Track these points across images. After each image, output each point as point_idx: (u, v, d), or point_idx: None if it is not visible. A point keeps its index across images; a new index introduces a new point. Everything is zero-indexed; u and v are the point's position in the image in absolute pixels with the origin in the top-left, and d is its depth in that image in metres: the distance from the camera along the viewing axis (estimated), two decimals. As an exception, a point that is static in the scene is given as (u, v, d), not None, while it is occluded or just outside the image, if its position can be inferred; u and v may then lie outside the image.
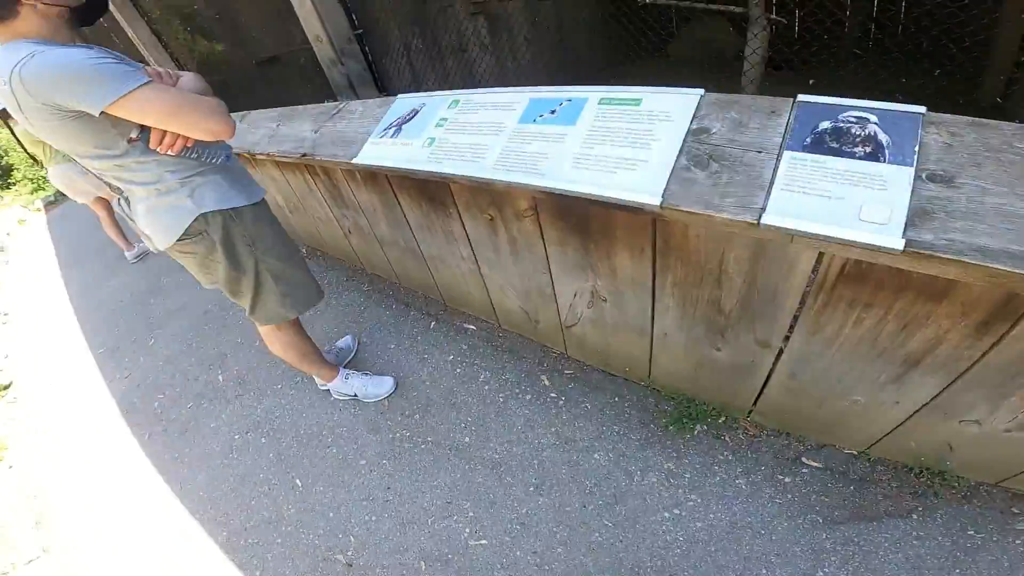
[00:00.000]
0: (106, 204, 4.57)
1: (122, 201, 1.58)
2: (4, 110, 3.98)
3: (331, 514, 1.94)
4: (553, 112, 1.41)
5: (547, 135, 1.37)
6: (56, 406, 3.23)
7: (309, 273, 1.86)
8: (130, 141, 1.32)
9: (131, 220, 1.60)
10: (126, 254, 4.77)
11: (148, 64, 2.96)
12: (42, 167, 4.35)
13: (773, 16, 3.01)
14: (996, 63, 2.48)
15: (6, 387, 3.72)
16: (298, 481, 2.10)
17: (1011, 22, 2.31)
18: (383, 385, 2.27)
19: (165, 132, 1.31)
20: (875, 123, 1.03)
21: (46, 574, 2.18)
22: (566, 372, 2.10)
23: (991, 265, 0.83)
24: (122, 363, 3.32)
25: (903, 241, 0.89)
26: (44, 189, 9.45)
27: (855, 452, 1.57)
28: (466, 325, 2.51)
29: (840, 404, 1.40)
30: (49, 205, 8.54)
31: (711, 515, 1.57)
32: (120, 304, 4.08)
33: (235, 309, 3.35)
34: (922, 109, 1.01)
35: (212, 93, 1.39)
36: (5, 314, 5.06)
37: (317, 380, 2.36)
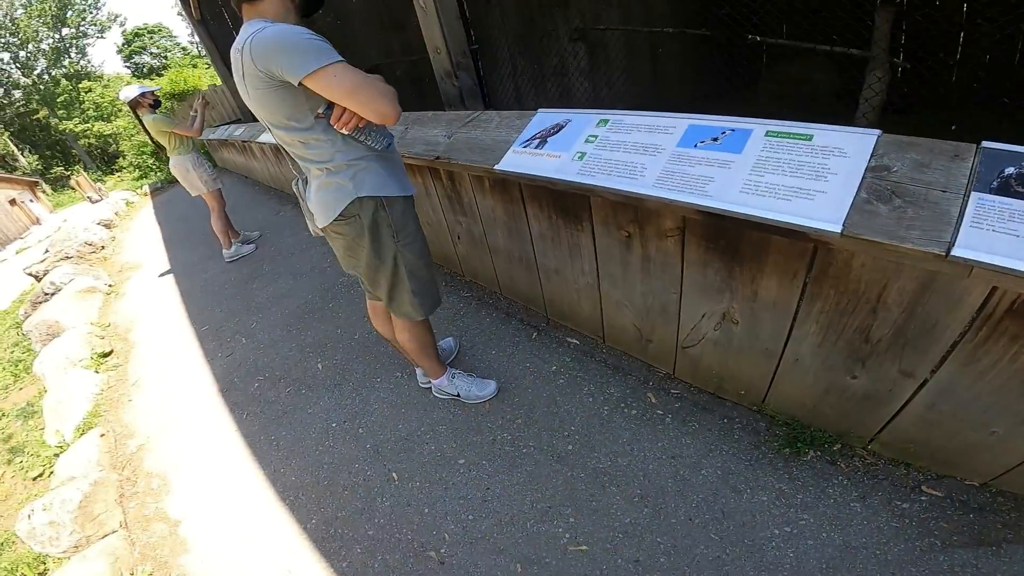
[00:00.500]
0: (216, 197, 4.81)
1: (300, 182, 1.76)
2: (134, 99, 4.27)
3: (426, 510, 1.96)
4: (715, 139, 1.46)
5: (712, 160, 1.42)
6: (154, 378, 3.40)
7: (436, 279, 1.96)
8: (317, 116, 1.48)
9: (302, 200, 1.78)
10: (223, 252, 4.97)
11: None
12: (165, 156, 4.68)
13: (897, 60, 2.99)
14: None
15: (106, 355, 3.95)
16: (394, 474, 2.13)
17: None
18: (486, 388, 2.33)
19: (344, 109, 1.45)
20: (1059, 171, 1.05)
21: (116, 549, 2.18)
22: (672, 392, 2.12)
23: None
24: (223, 343, 3.51)
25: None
26: (149, 177, 10.18)
27: (977, 483, 1.55)
28: (568, 339, 2.55)
29: (975, 435, 1.39)
30: (156, 191, 9.20)
31: (824, 535, 1.56)
32: (223, 287, 4.33)
33: (336, 300, 3.52)
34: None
35: None
36: (109, 286, 5.43)
37: (420, 376, 2.45)
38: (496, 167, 1.93)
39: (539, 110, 2.05)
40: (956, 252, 1.03)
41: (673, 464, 1.87)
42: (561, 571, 1.68)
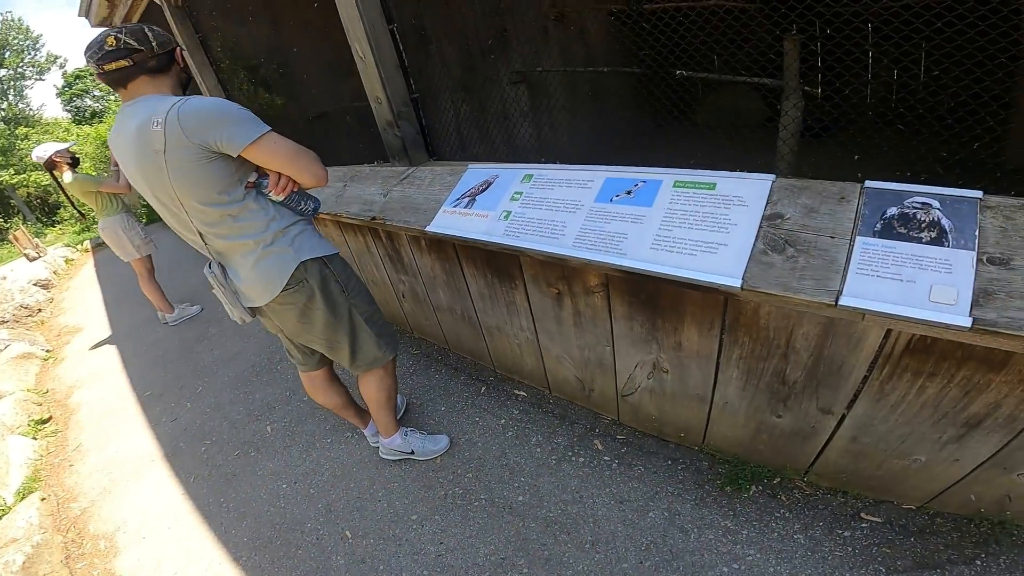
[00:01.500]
0: (146, 263, 4.51)
1: (214, 266, 1.60)
2: (49, 159, 3.93)
3: (381, 567, 1.93)
4: (629, 192, 1.52)
5: (625, 215, 1.48)
6: (96, 444, 3.25)
7: (386, 320, 1.96)
8: (247, 186, 1.47)
9: (222, 287, 1.61)
10: (166, 317, 4.68)
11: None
12: (87, 218, 4.24)
13: (808, 88, 3.17)
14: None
15: (44, 421, 3.75)
16: (348, 532, 2.10)
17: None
18: (439, 443, 2.31)
19: (280, 175, 1.47)
20: (937, 208, 1.12)
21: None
22: (618, 437, 2.15)
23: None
24: (168, 407, 3.38)
25: (970, 320, 0.97)
26: (91, 231, 9.77)
27: (914, 507, 1.60)
28: (516, 391, 2.57)
29: (900, 463, 1.45)
30: (97, 247, 8.81)
31: (771, 569, 1.59)
32: (167, 350, 4.18)
33: (284, 362, 3.44)
34: (979, 193, 1.11)
35: None
36: (47, 351, 5.18)
37: (370, 435, 2.40)
38: (427, 228, 1.96)
39: (469, 166, 2.09)
40: (843, 301, 1.09)
41: (621, 508, 1.89)
42: (518, 622, 1.66)
